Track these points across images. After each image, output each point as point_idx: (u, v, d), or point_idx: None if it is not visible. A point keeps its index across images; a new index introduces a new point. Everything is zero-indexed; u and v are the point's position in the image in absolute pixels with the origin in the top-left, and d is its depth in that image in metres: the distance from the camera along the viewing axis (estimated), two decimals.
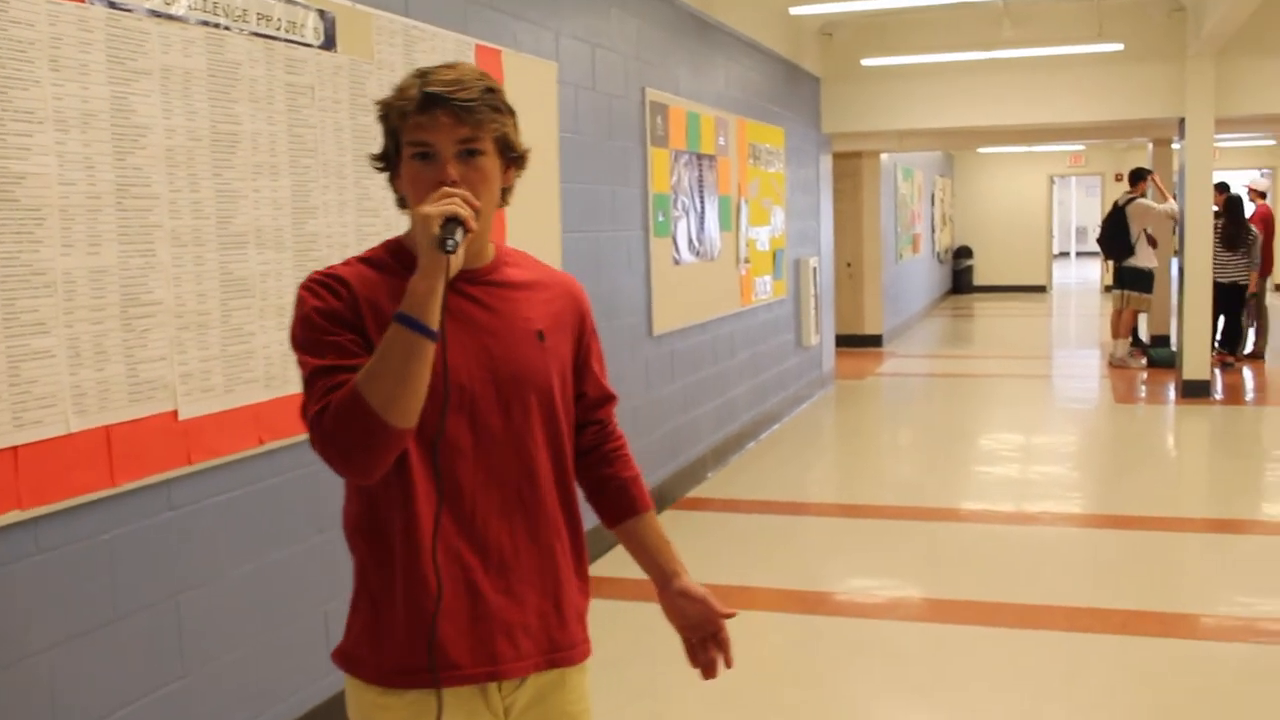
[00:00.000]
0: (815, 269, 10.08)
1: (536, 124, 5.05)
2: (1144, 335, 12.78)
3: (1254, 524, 6.30)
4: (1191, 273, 9.78)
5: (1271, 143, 20.26)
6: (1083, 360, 13.18)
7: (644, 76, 6.33)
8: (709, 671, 2.02)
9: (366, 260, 1.84)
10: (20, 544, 2.65)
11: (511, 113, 1.82)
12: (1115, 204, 11.99)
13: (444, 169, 1.73)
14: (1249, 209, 12.32)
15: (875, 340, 14.09)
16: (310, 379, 1.72)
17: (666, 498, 6.65)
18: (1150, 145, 13.68)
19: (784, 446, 8.47)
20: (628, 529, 2.03)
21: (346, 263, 1.84)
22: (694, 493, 7.03)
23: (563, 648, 1.88)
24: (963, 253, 22.47)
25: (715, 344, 7.59)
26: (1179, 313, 10.21)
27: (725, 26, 7.71)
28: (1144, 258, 11.69)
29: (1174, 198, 11.19)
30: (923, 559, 5.74)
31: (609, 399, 2.04)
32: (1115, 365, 11.90)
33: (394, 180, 1.83)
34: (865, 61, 10.11)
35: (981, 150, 21.00)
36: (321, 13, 3.59)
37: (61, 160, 2.71)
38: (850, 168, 13.65)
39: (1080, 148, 21.74)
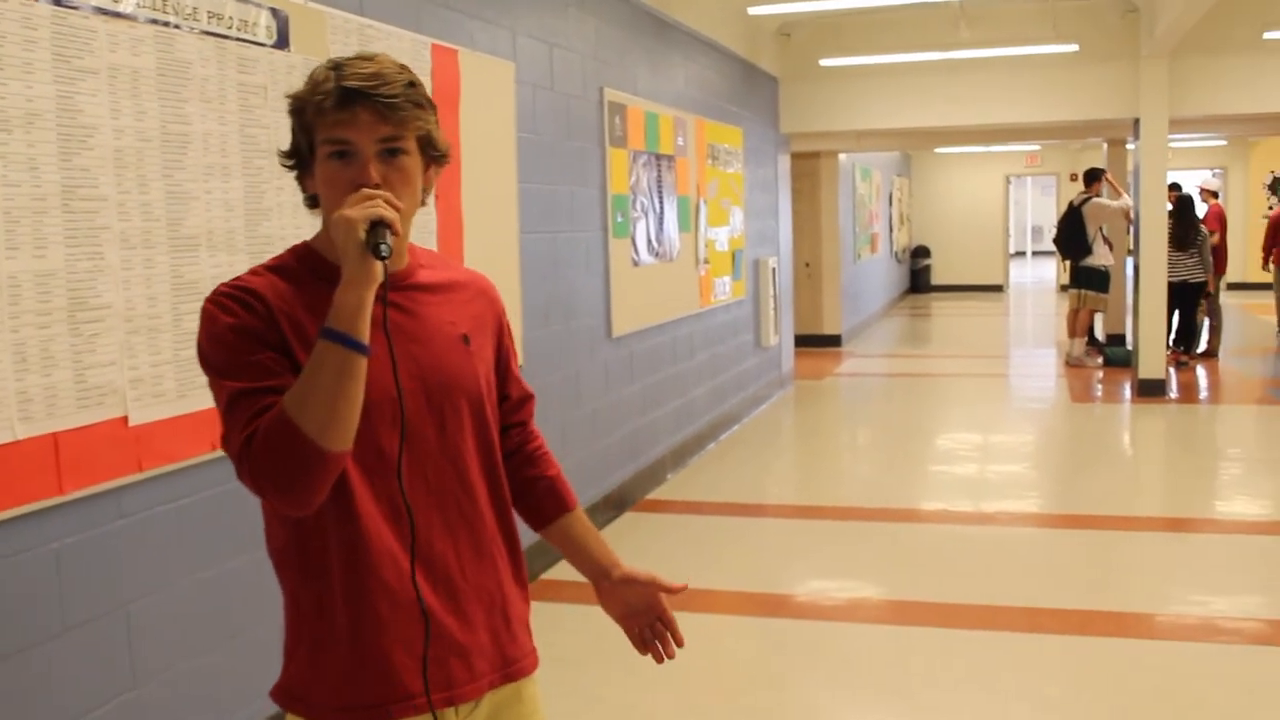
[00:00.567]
0: (774, 269, 10.09)
1: (494, 124, 5.01)
2: (1100, 334, 12.90)
3: (1210, 522, 6.36)
4: (1146, 272, 9.87)
5: (1223, 143, 20.53)
6: (1039, 359, 13.27)
7: (602, 76, 6.30)
8: (662, 653, 1.97)
9: (275, 269, 1.72)
10: None
11: (434, 108, 1.71)
12: (1071, 204, 12.05)
13: (364, 169, 1.62)
14: (1201, 209, 12.44)
15: (834, 340, 14.14)
16: (230, 405, 1.58)
17: (626, 500, 6.63)
18: (1105, 145, 13.80)
19: (744, 447, 8.47)
20: (560, 528, 1.97)
21: (254, 272, 1.70)
22: (653, 494, 7.01)
23: (515, 660, 1.83)
24: (920, 252, 22.60)
25: (674, 345, 7.57)
26: (1134, 312, 10.31)
27: (683, 26, 7.70)
28: (1101, 257, 11.78)
29: (1128, 193, 11.30)
30: (882, 560, 5.75)
31: (529, 398, 1.98)
32: (1072, 364, 11.98)
33: (303, 179, 1.73)
34: (823, 62, 10.14)
35: (939, 150, 21.14)
36: (274, 11, 3.53)
37: (5, 161, 2.64)
38: (808, 168, 13.70)
39: (1036, 148, 21.93)
